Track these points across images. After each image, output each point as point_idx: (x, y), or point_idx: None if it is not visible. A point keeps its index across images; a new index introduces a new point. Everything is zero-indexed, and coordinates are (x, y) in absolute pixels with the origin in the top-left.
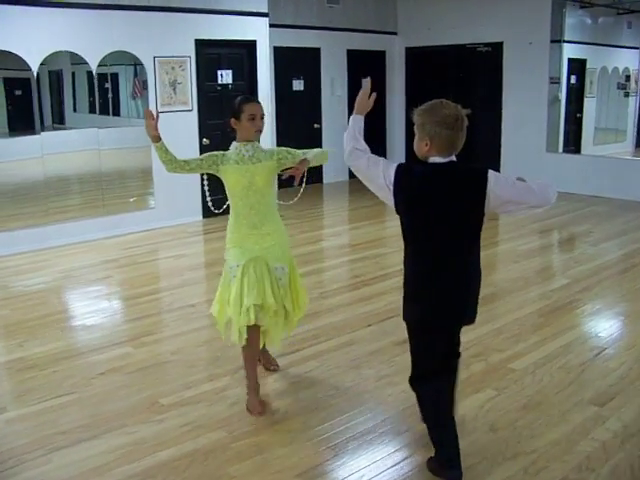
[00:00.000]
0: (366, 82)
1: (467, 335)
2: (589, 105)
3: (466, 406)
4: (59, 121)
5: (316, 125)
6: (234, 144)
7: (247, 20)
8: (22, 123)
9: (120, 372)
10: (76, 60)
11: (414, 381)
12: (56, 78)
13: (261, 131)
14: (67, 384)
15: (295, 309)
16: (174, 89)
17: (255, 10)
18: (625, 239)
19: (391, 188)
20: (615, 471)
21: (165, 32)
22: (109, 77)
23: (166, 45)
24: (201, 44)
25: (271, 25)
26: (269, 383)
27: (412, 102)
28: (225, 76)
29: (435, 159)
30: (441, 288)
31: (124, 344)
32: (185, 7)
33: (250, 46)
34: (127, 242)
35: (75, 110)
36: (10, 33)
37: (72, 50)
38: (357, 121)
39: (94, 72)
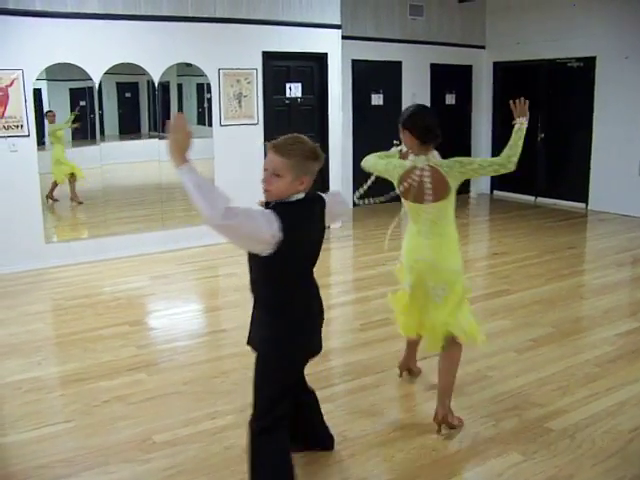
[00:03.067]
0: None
1: (506, 385)
2: None
3: (482, 472)
4: (156, 129)
5: (396, 142)
6: (411, 156)
7: (318, 32)
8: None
9: (124, 401)
10: (184, 72)
11: (261, 433)
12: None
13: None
14: (68, 410)
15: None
16: (239, 102)
17: (326, 22)
18: None
19: (277, 234)
20: None
21: (231, 44)
22: (205, 87)
23: (231, 57)
24: (269, 56)
25: (350, 37)
26: None
27: (500, 119)
28: (294, 89)
29: (299, 195)
30: (314, 314)
31: (140, 369)
32: (252, 19)
33: (321, 59)
34: (183, 257)
35: (168, 119)
36: (74, 45)
37: (134, 62)
38: (194, 172)
39: (156, 83)
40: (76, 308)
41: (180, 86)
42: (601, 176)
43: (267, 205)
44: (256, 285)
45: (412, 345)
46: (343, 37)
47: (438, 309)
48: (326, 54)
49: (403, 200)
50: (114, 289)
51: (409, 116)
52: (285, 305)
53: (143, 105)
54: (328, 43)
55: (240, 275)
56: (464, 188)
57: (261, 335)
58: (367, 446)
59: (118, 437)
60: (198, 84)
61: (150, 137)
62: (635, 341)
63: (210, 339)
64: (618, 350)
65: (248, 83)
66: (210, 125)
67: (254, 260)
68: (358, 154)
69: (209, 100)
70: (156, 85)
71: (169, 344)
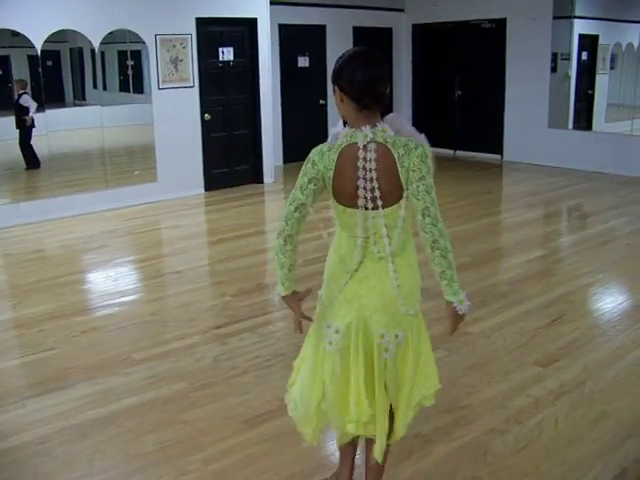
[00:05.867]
0: None
1: (432, 301)
2: (601, 82)
3: None
4: (82, 97)
5: (322, 101)
6: (346, 128)
7: None
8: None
9: (100, 331)
10: (105, 39)
11: None
12: (78, 56)
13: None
14: (50, 341)
15: (406, 399)
16: (175, 66)
17: None
18: (614, 213)
19: None
20: (540, 423)
21: (166, 10)
22: (129, 54)
23: (167, 23)
24: (202, 22)
25: (277, 3)
26: (233, 342)
27: (419, 79)
28: (226, 53)
29: None
30: None
31: (109, 307)
32: None
33: (251, 24)
34: (127, 214)
35: (95, 87)
36: (15, 12)
37: (73, 28)
38: None
39: (96, 50)
40: (35, 261)
41: (103, 54)
42: (514, 129)
43: None
44: None
45: (348, 456)
46: (271, 2)
47: (394, 376)
48: (256, 19)
49: (335, 204)
50: (67, 243)
51: (341, 66)
52: None
53: (66, 74)
54: (257, 8)
55: (183, 227)
56: None
57: None
58: None
59: (100, 358)
60: (119, 51)
61: (75, 105)
62: (541, 264)
63: (167, 279)
64: (527, 272)
65: (183, 48)
66: (136, 92)
67: None
68: (287, 112)
69: (132, 67)
70: (96, 51)
71: (131, 285)
